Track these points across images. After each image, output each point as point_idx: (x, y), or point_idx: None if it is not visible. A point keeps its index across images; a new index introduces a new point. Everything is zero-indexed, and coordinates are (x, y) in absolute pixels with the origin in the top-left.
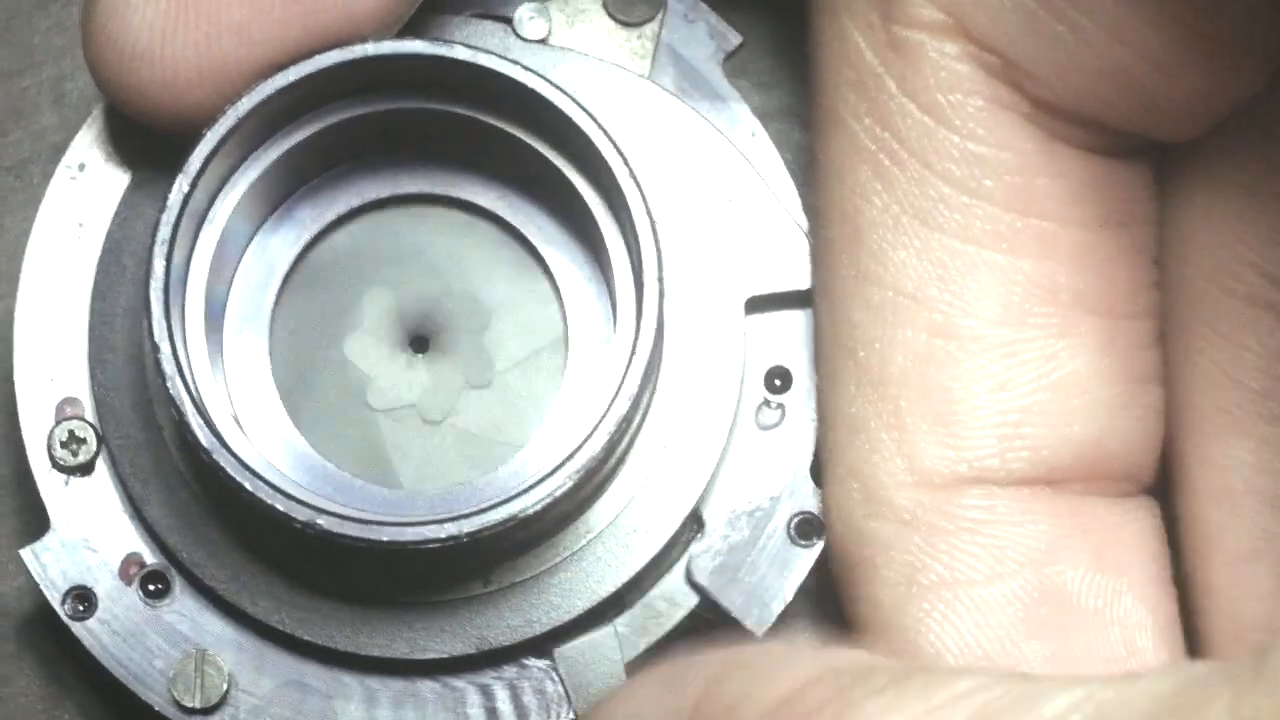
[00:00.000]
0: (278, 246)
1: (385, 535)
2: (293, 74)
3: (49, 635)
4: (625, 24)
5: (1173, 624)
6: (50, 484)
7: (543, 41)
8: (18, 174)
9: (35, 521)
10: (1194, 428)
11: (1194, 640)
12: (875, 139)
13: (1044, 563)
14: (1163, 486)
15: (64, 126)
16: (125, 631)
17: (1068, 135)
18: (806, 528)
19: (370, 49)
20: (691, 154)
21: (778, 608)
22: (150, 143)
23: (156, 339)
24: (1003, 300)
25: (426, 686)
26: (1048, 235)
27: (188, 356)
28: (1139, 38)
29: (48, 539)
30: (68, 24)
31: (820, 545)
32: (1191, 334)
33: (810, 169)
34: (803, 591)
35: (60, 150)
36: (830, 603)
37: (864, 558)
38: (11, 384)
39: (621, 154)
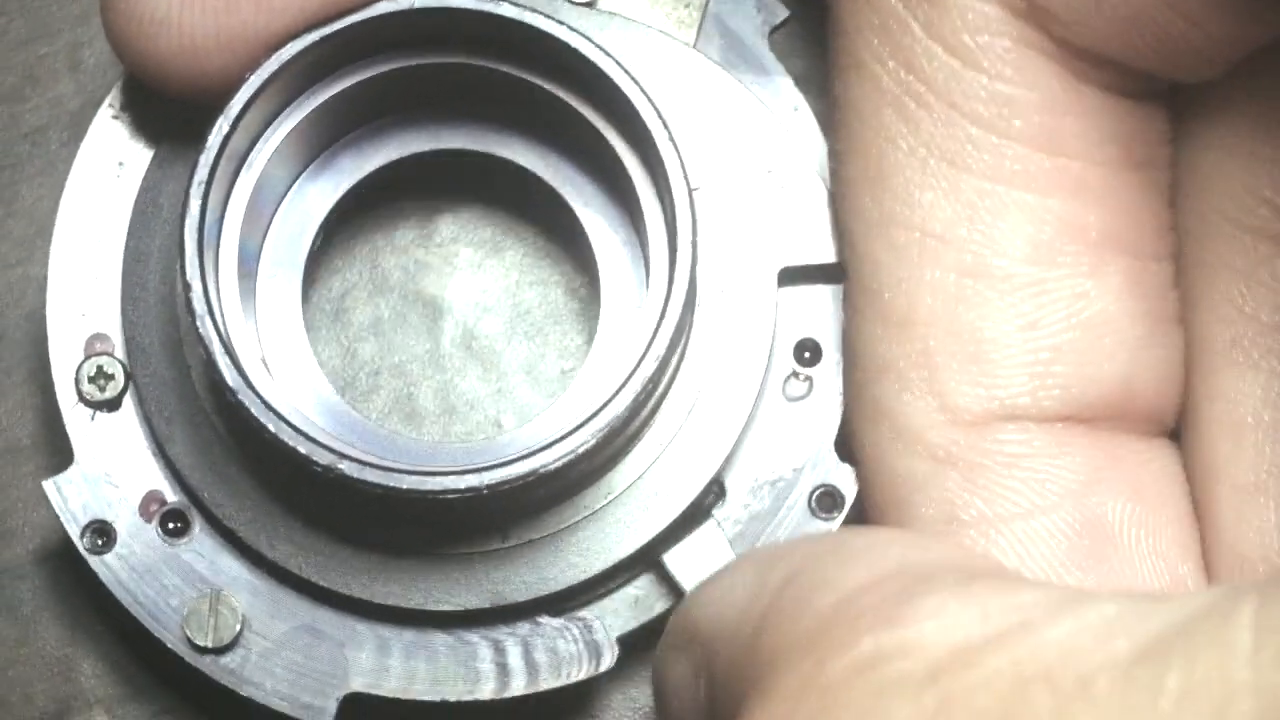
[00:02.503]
0: (315, 195)
1: (405, 483)
2: (337, 24)
3: (69, 569)
4: None
5: (1203, 559)
6: (76, 418)
7: (590, 5)
8: (34, 140)
9: (60, 455)
10: (1205, 363)
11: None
12: (899, 82)
13: (1084, 495)
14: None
15: (80, 93)
16: (142, 568)
17: (1091, 76)
18: (828, 501)
19: (417, 2)
20: (733, 124)
21: None
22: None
23: (189, 278)
24: (1032, 239)
25: (439, 638)
26: (1076, 174)
27: (219, 298)
28: None
29: (70, 472)
30: None
31: (840, 519)
32: (1205, 270)
33: (831, 113)
34: None
35: (77, 117)
36: None
37: (899, 497)
38: (43, 318)
39: (662, 119)
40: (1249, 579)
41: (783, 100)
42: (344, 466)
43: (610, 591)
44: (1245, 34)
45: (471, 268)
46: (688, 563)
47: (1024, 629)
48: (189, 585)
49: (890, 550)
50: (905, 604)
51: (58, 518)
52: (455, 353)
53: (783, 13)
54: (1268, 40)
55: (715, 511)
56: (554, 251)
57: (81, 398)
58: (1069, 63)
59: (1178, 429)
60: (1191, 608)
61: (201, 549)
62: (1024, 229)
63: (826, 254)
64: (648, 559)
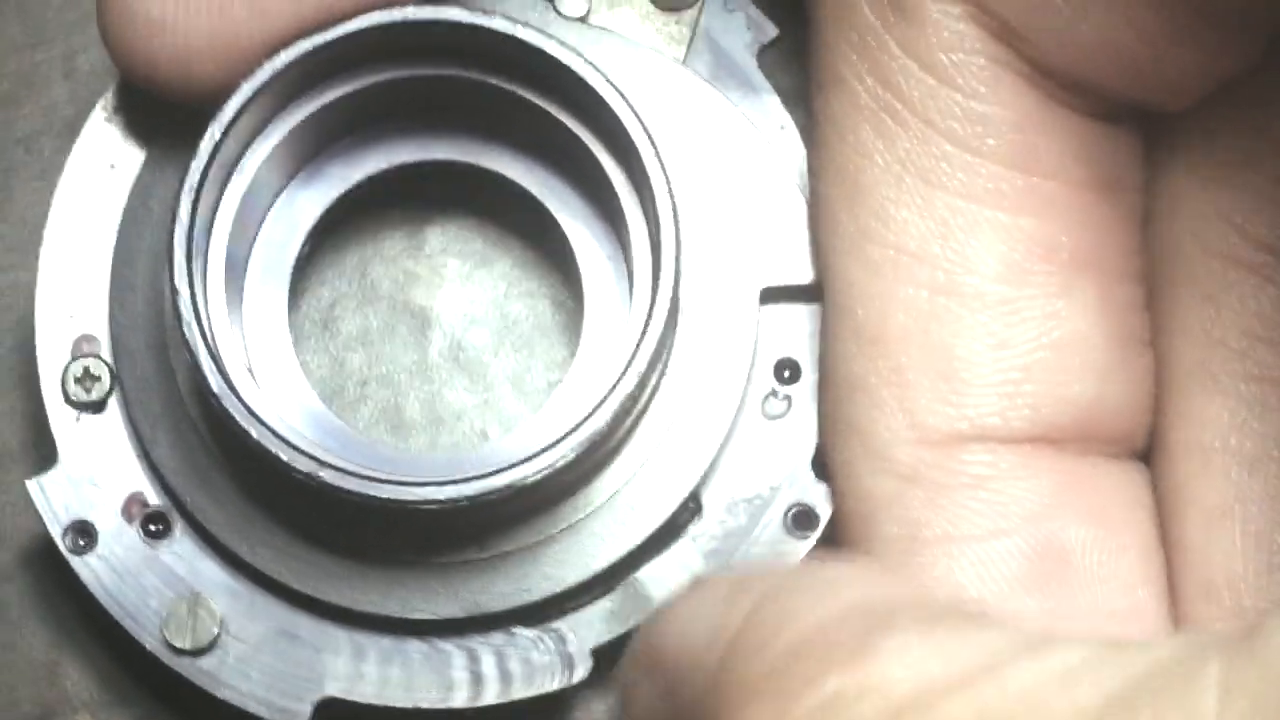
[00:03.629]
0: (304, 203)
1: (385, 493)
2: (331, 33)
3: (53, 572)
4: (665, 8)
5: (1166, 584)
6: (61, 418)
7: (582, 20)
8: (28, 146)
9: (44, 455)
10: (1174, 387)
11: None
12: (877, 98)
13: (1045, 519)
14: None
15: (74, 100)
16: (123, 569)
17: (1064, 98)
18: (804, 519)
19: (410, 14)
20: (720, 142)
21: None
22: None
23: (176, 283)
24: (1004, 258)
25: (414, 646)
26: (1049, 194)
27: (206, 303)
28: (1133, 11)
29: (54, 472)
30: None
31: (815, 538)
32: (1175, 295)
33: (810, 129)
34: None
35: (72, 124)
36: None
37: (866, 513)
38: (31, 319)
39: (649, 135)
40: (1215, 604)
41: (770, 119)
42: (324, 474)
43: (585, 604)
44: (1217, 64)
45: (460, 279)
46: (662, 578)
47: (987, 673)
48: (169, 587)
49: (855, 585)
50: (869, 644)
51: (42, 520)
52: (443, 364)
53: (773, 31)
54: (1237, 72)
55: (690, 528)
56: (542, 264)
57: (67, 398)
58: (1042, 84)
59: (1148, 453)
60: (1156, 660)
61: (182, 552)
62: (996, 247)
63: (808, 274)
64: (623, 573)
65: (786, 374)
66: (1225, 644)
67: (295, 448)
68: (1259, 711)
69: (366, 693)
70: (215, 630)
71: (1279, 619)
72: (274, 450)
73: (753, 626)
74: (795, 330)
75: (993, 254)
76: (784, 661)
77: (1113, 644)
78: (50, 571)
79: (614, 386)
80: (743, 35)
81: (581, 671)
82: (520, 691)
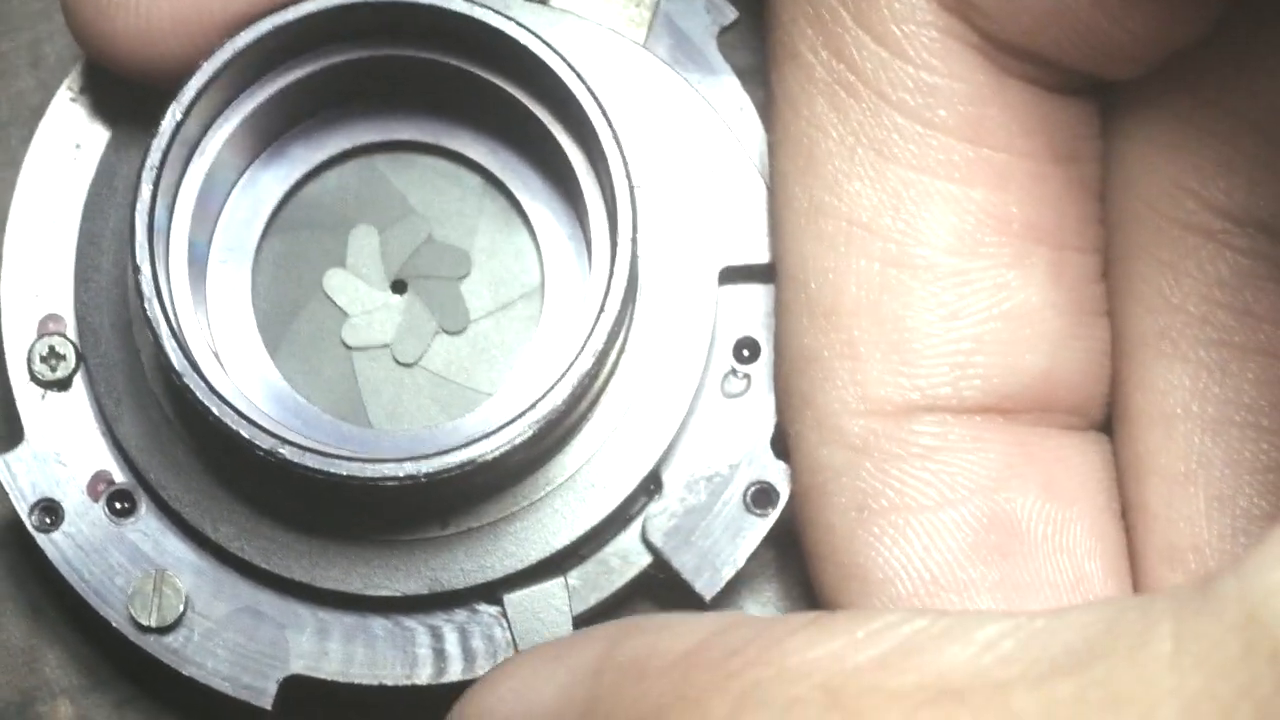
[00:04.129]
0: (267, 183)
1: (345, 470)
2: (292, 13)
3: (19, 546)
4: None
5: (1120, 555)
6: (27, 397)
7: (543, 2)
8: None
9: (10, 433)
10: (1134, 354)
11: (1131, 564)
12: (831, 71)
13: (994, 490)
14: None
15: (41, 89)
16: (89, 546)
17: (1016, 70)
18: (762, 497)
19: None
20: (678, 123)
21: (728, 573)
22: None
23: (138, 261)
24: (955, 230)
25: (378, 623)
26: (1000, 166)
27: (169, 281)
28: None
29: (20, 450)
30: None
31: (775, 515)
32: (1134, 263)
33: (766, 105)
34: (758, 563)
35: (38, 113)
36: (788, 576)
37: (816, 484)
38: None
39: (606, 115)
40: (1180, 569)
41: (729, 100)
42: (285, 451)
43: (548, 581)
44: (1168, 34)
45: None
46: (623, 556)
47: (916, 653)
48: (134, 565)
49: (703, 618)
50: (769, 643)
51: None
52: None
53: (732, 14)
54: (1191, 40)
55: (651, 506)
56: None
57: (33, 377)
58: (994, 56)
59: (1110, 421)
60: (1099, 620)
61: (147, 529)
62: (947, 219)
63: (767, 254)
64: (585, 550)
65: (745, 353)
66: (1177, 597)
67: (256, 425)
68: (1217, 656)
69: (331, 670)
70: (181, 607)
71: (1231, 573)
72: (235, 427)
73: (611, 675)
74: (754, 310)
75: (944, 225)
76: (670, 687)
77: (1045, 612)
78: (23, 554)
79: (571, 364)
80: (702, 18)
81: None
82: (484, 668)
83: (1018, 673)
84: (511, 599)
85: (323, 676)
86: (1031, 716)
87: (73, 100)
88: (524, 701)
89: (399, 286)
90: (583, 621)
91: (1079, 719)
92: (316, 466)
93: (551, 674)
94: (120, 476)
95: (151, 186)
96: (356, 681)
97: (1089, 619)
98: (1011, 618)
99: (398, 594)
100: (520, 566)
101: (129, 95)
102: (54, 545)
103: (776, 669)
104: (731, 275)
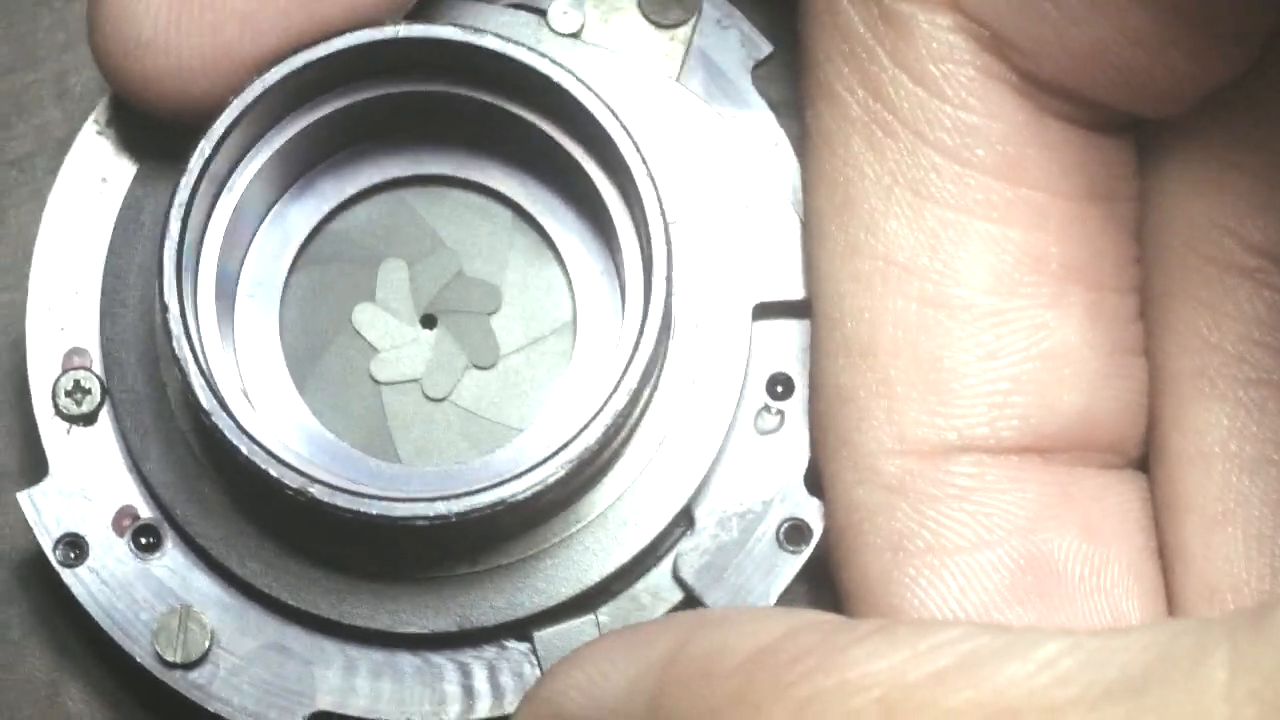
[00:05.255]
0: (295, 218)
1: (375, 509)
2: (322, 50)
3: (52, 592)
4: (659, 25)
5: (1158, 595)
6: (52, 431)
7: (575, 36)
8: (21, 168)
9: (35, 468)
10: (1172, 394)
11: (1168, 604)
12: (868, 110)
13: (1031, 531)
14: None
15: (67, 121)
16: (114, 582)
17: (1055, 109)
18: (795, 534)
19: (402, 30)
20: (712, 158)
21: None
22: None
23: (166, 299)
24: (993, 269)
25: (406, 660)
26: (1038, 205)
27: (197, 319)
28: (1124, 18)
29: (45, 485)
30: (70, 20)
31: (808, 552)
32: (1171, 302)
33: (801, 142)
34: (790, 597)
35: (64, 145)
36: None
37: (852, 524)
38: (23, 331)
39: (640, 151)
40: (1218, 609)
41: (763, 135)
42: (314, 490)
43: (577, 618)
44: (1207, 72)
45: None
46: (655, 593)
47: (975, 669)
48: (159, 600)
49: (778, 615)
50: (833, 651)
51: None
52: None
53: (767, 48)
54: (1229, 78)
55: (683, 543)
56: None
57: (58, 411)
58: (1032, 94)
59: (1146, 461)
60: (1155, 644)
61: (173, 565)
62: (985, 259)
63: (801, 290)
64: (615, 588)
65: (779, 389)
66: (1233, 625)
67: (285, 464)
68: (1270, 689)
69: (358, 706)
70: (206, 643)
71: None
72: (264, 467)
73: (680, 668)
74: (788, 346)
75: (982, 265)
76: (741, 682)
77: (1103, 633)
78: (48, 590)
79: (605, 403)
80: (736, 52)
81: None
82: (512, 705)
83: (1075, 694)
84: (542, 636)
85: (350, 713)
86: None
87: (99, 133)
88: (595, 689)
89: (429, 321)
90: None
91: None
92: (346, 506)
93: (623, 663)
94: (146, 512)
95: (180, 223)
96: (384, 718)
97: (1146, 641)
98: (1071, 636)
99: (426, 631)
100: (550, 604)
101: (156, 129)
102: (79, 580)
103: (838, 680)
104: (766, 311)
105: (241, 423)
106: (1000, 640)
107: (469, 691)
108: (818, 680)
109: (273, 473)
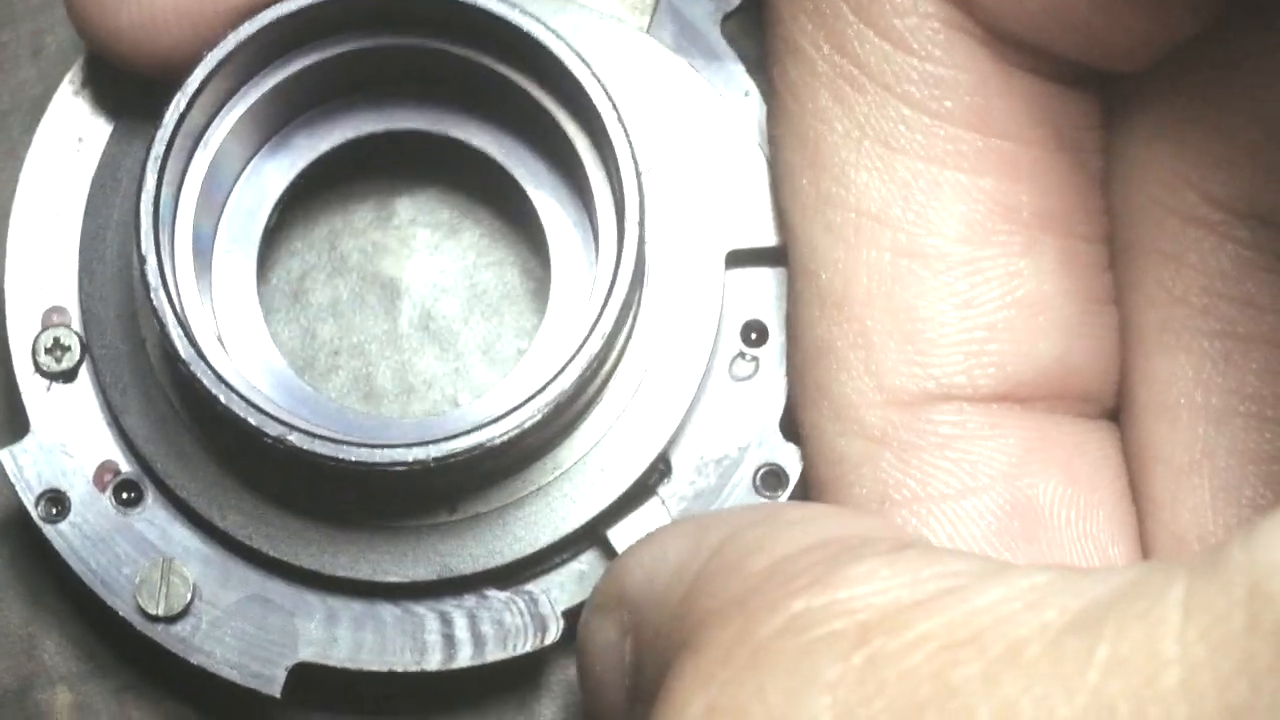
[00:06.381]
0: (271, 173)
1: (354, 455)
2: (294, 4)
3: (28, 544)
4: None
5: (1137, 540)
6: (32, 388)
7: None
8: None
9: (15, 425)
10: (1139, 346)
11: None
12: (834, 65)
13: (1015, 477)
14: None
15: (42, 80)
16: (95, 536)
17: (1019, 60)
18: (772, 479)
19: None
20: (684, 108)
21: None
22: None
23: (144, 250)
24: (966, 219)
25: (387, 610)
26: (1008, 155)
27: (174, 271)
28: None
29: (26, 442)
30: None
31: (785, 497)
32: (1137, 255)
33: (768, 98)
34: None
35: (40, 104)
36: None
37: (836, 476)
38: (1, 290)
39: (612, 101)
40: (1184, 557)
41: (734, 85)
42: (293, 438)
43: (556, 566)
44: (1165, 31)
45: (429, 249)
46: (632, 538)
47: (953, 595)
48: (141, 554)
49: (823, 522)
50: (836, 569)
51: (17, 494)
52: (413, 333)
53: (735, 0)
54: (1191, 35)
55: (660, 489)
56: (510, 233)
57: (38, 368)
58: (997, 47)
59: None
60: (1122, 581)
61: (154, 518)
62: (957, 208)
63: (774, 237)
64: (593, 534)
65: (754, 336)
66: (1189, 566)
67: (264, 412)
68: (1221, 628)
69: (340, 657)
70: (188, 596)
71: (1242, 542)
72: (243, 415)
73: (720, 559)
74: (762, 293)
75: (953, 214)
76: (752, 587)
77: (1075, 569)
78: (26, 543)
79: (580, 348)
80: (705, 5)
81: (554, 633)
82: (494, 654)
83: (1039, 624)
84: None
85: (332, 664)
86: (1040, 667)
87: (75, 94)
88: (654, 568)
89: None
90: None
91: (1082, 675)
92: (325, 453)
93: (681, 548)
94: (126, 466)
95: (156, 177)
96: (366, 668)
97: (1117, 581)
98: (1058, 570)
99: (407, 580)
100: (529, 551)
101: (131, 88)
102: (61, 536)
103: (828, 599)
104: (739, 259)
105: (219, 371)
106: (993, 566)
107: (450, 641)
108: (813, 596)
109: (252, 420)
